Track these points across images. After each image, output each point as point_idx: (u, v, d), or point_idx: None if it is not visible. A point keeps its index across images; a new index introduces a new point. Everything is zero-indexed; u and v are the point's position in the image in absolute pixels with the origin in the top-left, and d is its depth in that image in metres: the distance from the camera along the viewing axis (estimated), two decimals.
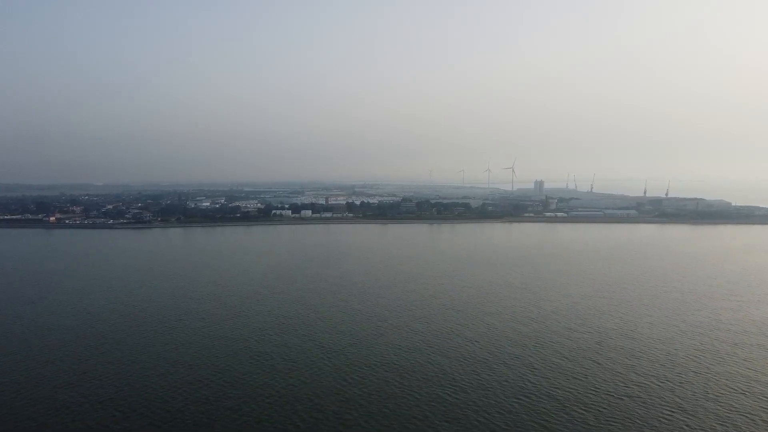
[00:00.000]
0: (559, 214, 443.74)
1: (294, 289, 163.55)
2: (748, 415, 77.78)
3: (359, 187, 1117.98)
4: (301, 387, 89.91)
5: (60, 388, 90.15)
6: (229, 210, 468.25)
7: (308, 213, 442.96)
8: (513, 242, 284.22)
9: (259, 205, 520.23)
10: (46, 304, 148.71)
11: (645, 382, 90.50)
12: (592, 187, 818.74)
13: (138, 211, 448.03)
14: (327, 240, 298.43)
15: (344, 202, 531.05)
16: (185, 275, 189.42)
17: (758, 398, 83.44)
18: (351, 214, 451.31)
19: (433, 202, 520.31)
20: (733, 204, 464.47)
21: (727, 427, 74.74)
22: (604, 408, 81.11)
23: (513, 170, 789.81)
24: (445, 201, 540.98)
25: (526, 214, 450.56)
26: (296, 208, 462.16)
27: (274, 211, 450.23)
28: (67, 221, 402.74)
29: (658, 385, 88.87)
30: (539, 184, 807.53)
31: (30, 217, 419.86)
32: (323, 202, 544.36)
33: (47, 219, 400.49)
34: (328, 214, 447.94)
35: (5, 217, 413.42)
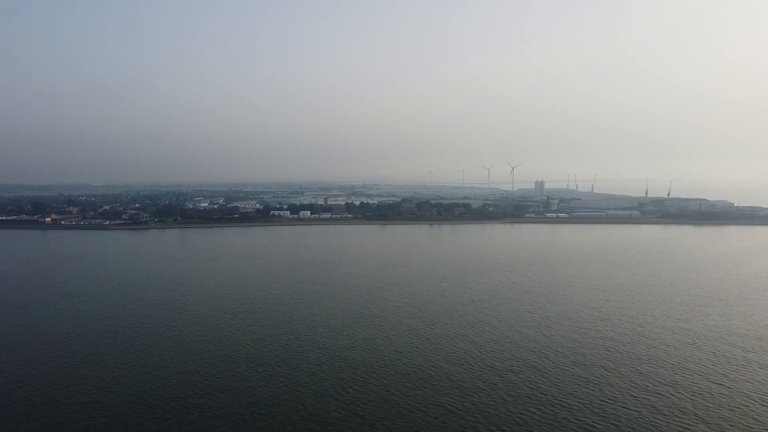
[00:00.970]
0: (560, 214, 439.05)
1: (290, 293, 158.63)
2: None
3: (359, 187, 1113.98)
4: (300, 394, 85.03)
5: (41, 393, 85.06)
6: (227, 211, 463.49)
7: (307, 214, 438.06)
8: (515, 243, 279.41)
9: (257, 205, 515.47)
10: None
11: (659, 391, 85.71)
12: (593, 188, 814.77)
13: (135, 211, 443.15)
14: (325, 241, 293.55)
15: (343, 203, 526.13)
16: (179, 278, 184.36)
17: None
18: (350, 215, 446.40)
19: (433, 202, 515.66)
20: (736, 204, 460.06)
21: None
22: (622, 418, 76.43)
23: (513, 170, 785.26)
24: (445, 201, 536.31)
25: (528, 215, 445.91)
26: (295, 209, 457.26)
27: (272, 212, 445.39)
28: (62, 222, 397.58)
29: (674, 395, 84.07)
30: (540, 184, 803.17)
31: (25, 218, 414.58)
32: (322, 203, 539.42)
33: (42, 220, 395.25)
34: (327, 215, 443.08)
35: (0, 218, 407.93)
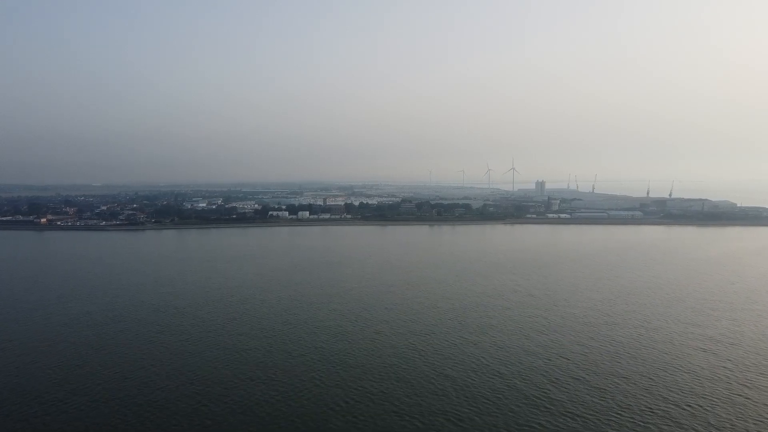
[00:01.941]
0: (562, 215, 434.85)
1: (284, 297, 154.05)
2: None
3: (358, 187, 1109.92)
4: (289, 407, 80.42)
5: (28, 403, 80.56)
6: (225, 211, 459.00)
7: (305, 214, 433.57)
8: (517, 245, 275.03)
9: (256, 206, 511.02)
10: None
11: (672, 403, 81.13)
12: (593, 188, 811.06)
13: (132, 212, 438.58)
14: (323, 242, 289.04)
15: (342, 203, 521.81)
16: (172, 281, 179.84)
17: None
18: (349, 216, 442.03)
19: (433, 203, 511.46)
20: (739, 205, 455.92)
21: None
22: (640, 429, 71.85)
23: (513, 170, 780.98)
24: (445, 202, 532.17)
25: (529, 216, 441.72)
26: (293, 209, 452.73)
27: (270, 213, 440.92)
28: (58, 223, 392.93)
29: (687, 408, 79.58)
30: (540, 184, 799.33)
31: (21, 218, 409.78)
32: (321, 203, 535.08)
33: (38, 221, 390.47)
34: (326, 215, 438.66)
35: None
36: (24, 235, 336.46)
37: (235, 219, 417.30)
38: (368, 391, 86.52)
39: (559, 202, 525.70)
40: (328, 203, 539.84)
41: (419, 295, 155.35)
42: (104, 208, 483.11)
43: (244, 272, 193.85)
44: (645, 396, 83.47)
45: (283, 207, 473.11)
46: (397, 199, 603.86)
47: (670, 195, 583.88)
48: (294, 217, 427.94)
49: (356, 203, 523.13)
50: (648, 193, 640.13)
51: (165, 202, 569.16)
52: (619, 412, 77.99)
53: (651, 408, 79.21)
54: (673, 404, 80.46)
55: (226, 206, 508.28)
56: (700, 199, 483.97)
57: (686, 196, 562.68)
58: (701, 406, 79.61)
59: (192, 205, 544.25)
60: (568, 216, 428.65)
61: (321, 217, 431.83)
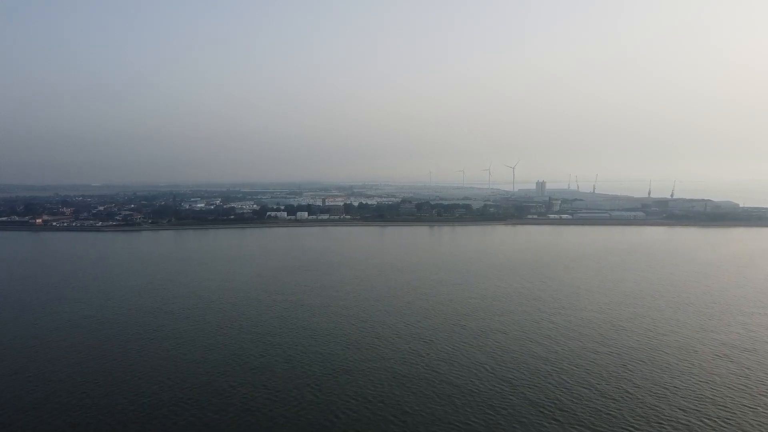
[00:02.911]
0: (563, 216, 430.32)
1: (279, 302, 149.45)
2: None
3: (358, 187, 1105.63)
4: (290, 415, 75.93)
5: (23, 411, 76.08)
6: (223, 212, 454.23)
7: (304, 215, 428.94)
8: (519, 246, 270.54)
9: (254, 206, 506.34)
10: None
11: (693, 414, 76.66)
12: (594, 188, 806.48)
13: (129, 212, 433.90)
14: (321, 244, 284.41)
15: (342, 204, 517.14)
16: (162, 284, 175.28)
17: None
18: (348, 216, 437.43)
19: (433, 203, 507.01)
20: (742, 205, 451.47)
21: None
22: None
23: (513, 170, 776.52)
24: (445, 202, 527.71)
25: (530, 216, 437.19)
26: (292, 210, 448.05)
27: (268, 213, 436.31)
28: (54, 223, 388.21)
29: (710, 421, 74.92)
30: (541, 184, 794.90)
31: (17, 219, 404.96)
32: (320, 204, 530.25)
33: (33, 221, 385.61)
34: (325, 216, 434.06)
35: None
36: (18, 235, 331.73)
37: (233, 219, 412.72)
38: (371, 398, 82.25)
39: (560, 202, 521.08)
40: (327, 204, 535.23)
41: (420, 297, 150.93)
42: (101, 208, 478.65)
43: (240, 274, 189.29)
44: (661, 406, 79.07)
45: (282, 207, 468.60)
46: (397, 199, 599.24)
47: (671, 195, 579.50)
48: (292, 217, 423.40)
49: (355, 204, 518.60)
50: (649, 194, 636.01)
51: (163, 203, 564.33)
52: (633, 423, 73.46)
53: (670, 419, 74.70)
54: (693, 415, 75.91)
55: (225, 207, 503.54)
56: (703, 200, 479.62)
57: (687, 197, 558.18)
58: (725, 418, 75.12)
59: (190, 205, 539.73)
60: (569, 217, 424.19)
61: (320, 217, 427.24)
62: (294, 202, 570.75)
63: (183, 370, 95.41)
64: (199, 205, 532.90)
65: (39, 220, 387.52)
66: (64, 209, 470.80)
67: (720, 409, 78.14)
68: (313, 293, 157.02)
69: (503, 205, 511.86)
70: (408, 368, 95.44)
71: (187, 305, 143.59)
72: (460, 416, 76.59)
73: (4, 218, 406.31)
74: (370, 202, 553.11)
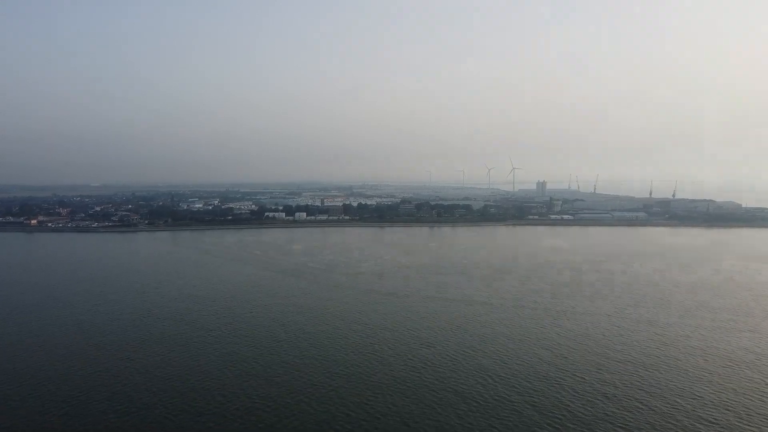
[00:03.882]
0: (565, 216, 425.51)
1: (273, 306, 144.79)
2: None
3: (357, 188, 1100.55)
4: (290, 423, 71.47)
5: None
6: (221, 212, 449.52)
7: (302, 215, 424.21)
8: (520, 247, 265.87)
9: (252, 206, 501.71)
10: None
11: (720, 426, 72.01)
12: (595, 188, 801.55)
13: (126, 213, 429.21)
14: (318, 244, 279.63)
15: (341, 204, 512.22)
16: (152, 288, 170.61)
17: None
18: (347, 217, 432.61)
19: (432, 203, 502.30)
20: (744, 206, 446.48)
21: None
22: None
23: (513, 171, 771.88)
24: (445, 203, 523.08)
25: (530, 217, 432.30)
26: (290, 210, 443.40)
27: (266, 213, 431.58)
28: (50, 224, 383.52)
29: None
30: (542, 185, 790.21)
31: (12, 219, 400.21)
32: (319, 204, 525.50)
33: (28, 222, 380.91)
34: (324, 217, 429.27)
35: None
36: (11, 236, 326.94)
37: (231, 220, 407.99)
38: (374, 407, 77.97)
39: (561, 202, 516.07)
40: (326, 204, 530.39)
41: (416, 303, 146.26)
42: (98, 209, 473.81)
43: (234, 277, 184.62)
44: (676, 415, 74.26)
45: (280, 208, 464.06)
46: (397, 199, 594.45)
47: (673, 195, 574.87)
48: (291, 218, 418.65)
49: (355, 204, 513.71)
50: (651, 194, 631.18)
51: (160, 203, 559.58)
52: None
53: (687, 429, 70.04)
54: (714, 428, 71.28)
55: (223, 207, 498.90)
56: (705, 200, 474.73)
57: (688, 197, 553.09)
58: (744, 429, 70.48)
59: (188, 205, 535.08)
60: (570, 217, 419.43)
61: (318, 218, 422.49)
62: (292, 202, 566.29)
63: (175, 375, 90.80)
64: (197, 206, 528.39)
65: (34, 221, 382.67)
66: (61, 210, 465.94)
67: (738, 420, 73.44)
68: (309, 297, 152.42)
69: (504, 205, 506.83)
70: (412, 374, 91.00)
71: (175, 310, 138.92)
72: (467, 426, 72.02)
73: None
74: (369, 203, 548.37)
